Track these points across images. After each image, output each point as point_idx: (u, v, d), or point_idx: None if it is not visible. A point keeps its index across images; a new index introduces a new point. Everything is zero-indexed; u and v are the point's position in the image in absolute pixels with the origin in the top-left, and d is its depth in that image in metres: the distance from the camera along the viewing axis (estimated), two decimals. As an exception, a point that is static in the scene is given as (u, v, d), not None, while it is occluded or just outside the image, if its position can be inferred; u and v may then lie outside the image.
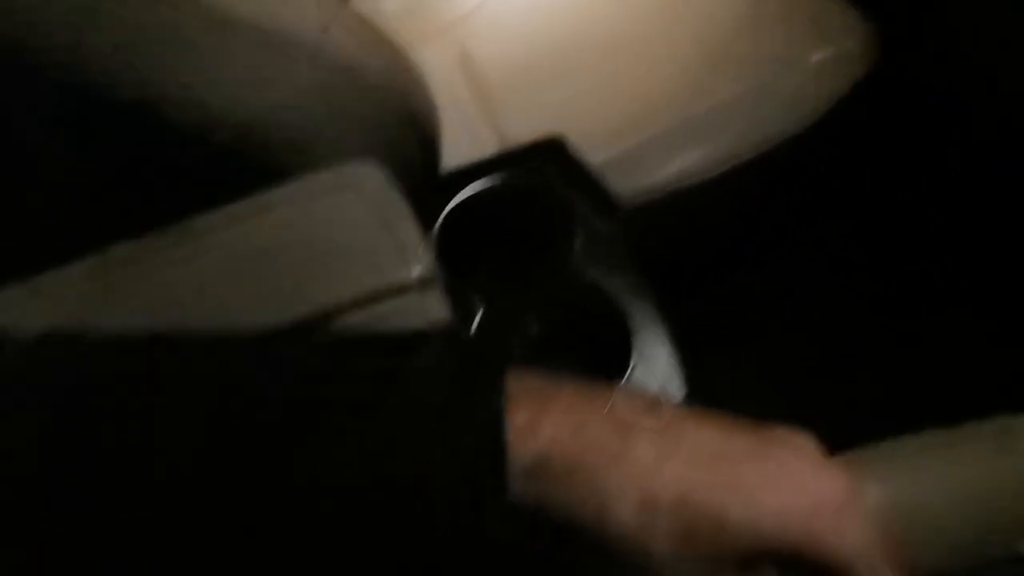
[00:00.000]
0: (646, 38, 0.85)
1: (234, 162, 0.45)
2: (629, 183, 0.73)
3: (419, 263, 0.42)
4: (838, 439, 0.40)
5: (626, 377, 0.45)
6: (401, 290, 0.41)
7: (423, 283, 0.42)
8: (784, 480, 0.35)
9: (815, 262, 0.88)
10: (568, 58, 0.83)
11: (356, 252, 0.41)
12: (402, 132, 0.51)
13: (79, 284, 0.38)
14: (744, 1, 0.86)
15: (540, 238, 0.51)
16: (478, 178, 0.53)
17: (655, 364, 0.46)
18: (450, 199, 0.51)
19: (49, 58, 0.38)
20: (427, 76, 0.80)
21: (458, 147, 0.65)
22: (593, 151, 0.75)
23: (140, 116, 0.41)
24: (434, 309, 0.42)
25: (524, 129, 0.66)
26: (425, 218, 0.49)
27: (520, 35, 0.87)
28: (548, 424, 0.32)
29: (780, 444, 0.36)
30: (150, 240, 0.39)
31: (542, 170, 0.54)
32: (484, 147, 0.73)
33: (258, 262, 0.41)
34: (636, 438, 0.33)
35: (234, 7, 0.43)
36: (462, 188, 0.52)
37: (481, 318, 0.46)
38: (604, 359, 0.45)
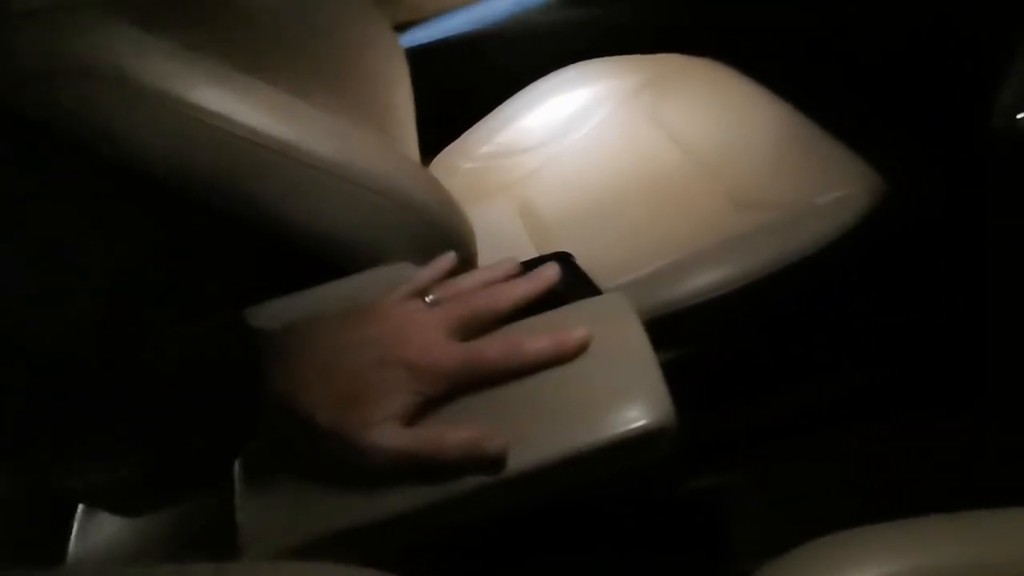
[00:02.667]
0: (680, 190, 1.00)
1: (316, 259, 0.65)
2: (655, 296, 0.87)
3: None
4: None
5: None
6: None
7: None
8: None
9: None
10: (608, 206, 1.01)
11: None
12: (440, 242, 0.69)
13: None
14: (769, 156, 1.00)
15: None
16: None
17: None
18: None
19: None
20: (496, 218, 1.00)
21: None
22: (628, 272, 0.90)
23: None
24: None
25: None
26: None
27: (569, 190, 1.06)
28: None
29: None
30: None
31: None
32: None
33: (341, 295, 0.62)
34: None
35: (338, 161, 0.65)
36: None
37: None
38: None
